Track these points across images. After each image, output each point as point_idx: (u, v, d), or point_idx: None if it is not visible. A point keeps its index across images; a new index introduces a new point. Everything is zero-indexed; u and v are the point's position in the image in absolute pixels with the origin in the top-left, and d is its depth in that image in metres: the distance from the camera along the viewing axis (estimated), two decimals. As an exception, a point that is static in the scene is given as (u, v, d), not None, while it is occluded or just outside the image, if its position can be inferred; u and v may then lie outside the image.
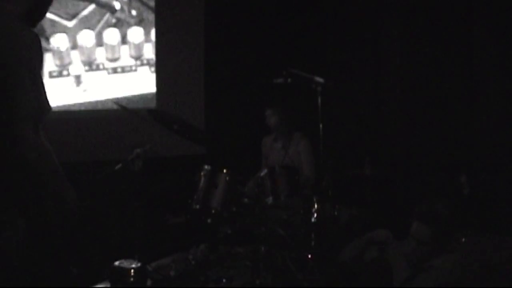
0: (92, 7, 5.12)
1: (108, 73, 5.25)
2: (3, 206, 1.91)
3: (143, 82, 5.41)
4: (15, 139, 1.87)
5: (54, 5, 4.31)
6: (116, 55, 5.28)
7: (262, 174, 4.13)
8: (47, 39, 4.92)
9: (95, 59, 5.18)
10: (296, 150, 4.69)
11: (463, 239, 3.46)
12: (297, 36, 5.82)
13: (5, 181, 1.90)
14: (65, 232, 2.04)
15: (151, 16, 5.39)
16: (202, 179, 3.98)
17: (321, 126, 3.89)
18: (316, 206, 3.78)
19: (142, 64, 5.40)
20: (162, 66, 5.42)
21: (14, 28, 1.95)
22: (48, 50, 4.91)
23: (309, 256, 3.63)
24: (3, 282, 1.91)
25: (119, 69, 5.29)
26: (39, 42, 2.04)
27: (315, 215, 3.76)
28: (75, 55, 5.08)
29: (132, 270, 3.23)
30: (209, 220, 3.94)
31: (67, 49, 5.05)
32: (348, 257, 3.25)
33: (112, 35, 5.25)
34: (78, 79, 5.11)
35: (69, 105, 5.07)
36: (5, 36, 1.91)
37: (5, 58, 1.88)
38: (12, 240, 1.91)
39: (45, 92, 2.02)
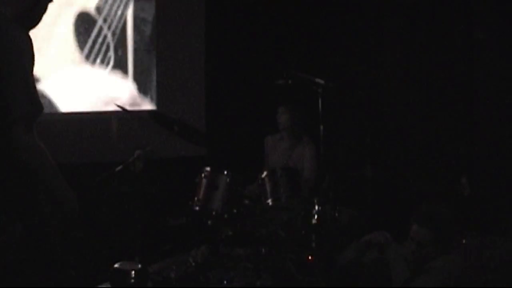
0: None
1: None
2: (0, 208, 1.92)
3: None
4: (9, 140, 1.88)
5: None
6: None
7: (263, 175, 4.14)
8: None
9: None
10: (301, 153, 4.66)
11: (464, 241, 3.46)
12: (298, 37, 5.82)
13: (0, 183, 1.91)
14: (62, 232, 2.04)
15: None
16: (203, 180, 3.98)
17: (321, 127, 3.89)
18: (316, 207, 3.77)
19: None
20: (162, 67, 5.42)
21: (5, 30, 1.96)
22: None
23: (310, 257, 3.63)
24: (1, 284, 1.92)
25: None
26: (31, 42, 2.05)
27: (316, 216, 3.75)
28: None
29: (132, 272, 3.23)
30: (209, 222, 3.94)
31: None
32: (347, 259, 3.25)
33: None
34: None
35: (70, 107, 5.08)
36: None
37: None
38: (9, 243, 1.91)
39: (37, 93, 2.04)
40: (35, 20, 2.13)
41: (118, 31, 5.25)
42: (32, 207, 1.94)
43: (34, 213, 1.95)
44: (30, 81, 2.00)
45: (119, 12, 5.26)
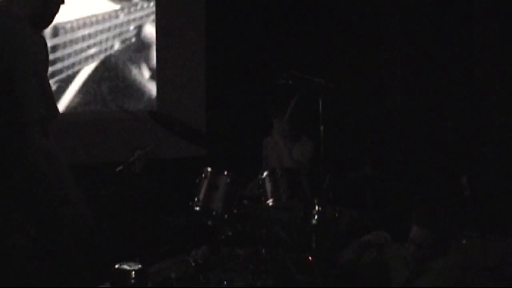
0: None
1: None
2: (13, 211, 1.91)
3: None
4: (24, 144, 1.86)
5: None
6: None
7: (263, 175, 4.14)
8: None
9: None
10: (301, 152, 4.66)
11: (464, 241, 3.46)
12: (298, 37, 5.82)
13: (14, 186, 1.90)
14: (76, 236, 2.03)
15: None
16: (203, 181, 3.98)
17: (321, 127, 3.89)
18: (316, 207, 3.77)
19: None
20: (163, 67, 5.42)
21: (19, 30, 1.93)
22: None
23: (310, 258, 3.63)
24: (14, 285, 1.91)
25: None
26: (45, 44, 2.04)
27: (316, 217, 3.76)
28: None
29: (133, 272, 3.23)
30: (210, 222, 3.94)
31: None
32: (346, 259, 3.25)
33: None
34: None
35: (70, 107, 5.08)
36: (11, 39, 1.89)
37: (12, 62, 1.87)
38: (21, 244, 1.91)
39: (52, 96, 2.01)
40: (47, 20, 2.11)
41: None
42: (44, 209, 1.93)
43: (46, 215, 1.94)
44: (45, 83, 1.98)
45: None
